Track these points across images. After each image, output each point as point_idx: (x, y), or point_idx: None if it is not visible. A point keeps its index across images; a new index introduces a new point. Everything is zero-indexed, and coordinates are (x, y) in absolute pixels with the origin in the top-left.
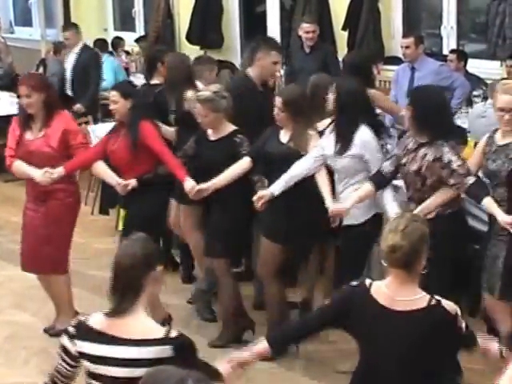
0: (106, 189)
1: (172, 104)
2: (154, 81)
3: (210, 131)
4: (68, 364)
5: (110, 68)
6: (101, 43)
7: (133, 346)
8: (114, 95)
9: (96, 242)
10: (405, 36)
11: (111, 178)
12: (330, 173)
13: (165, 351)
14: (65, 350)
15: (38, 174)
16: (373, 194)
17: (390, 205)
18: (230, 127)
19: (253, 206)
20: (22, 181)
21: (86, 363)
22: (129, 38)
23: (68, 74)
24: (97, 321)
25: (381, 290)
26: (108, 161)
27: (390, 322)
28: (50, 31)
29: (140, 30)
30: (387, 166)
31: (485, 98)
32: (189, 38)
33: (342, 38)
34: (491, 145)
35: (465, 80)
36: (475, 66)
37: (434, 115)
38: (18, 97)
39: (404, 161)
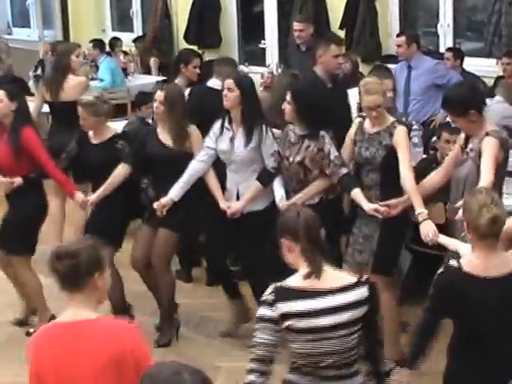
0: None
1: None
2: (177, 81)
3: (91, 133)
4: (273, 331)
5: (107, 68)
6: (98, 43)
7: (337, 294)
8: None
9: None
10: (398, 35)
11: None
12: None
13: (363, 292)
14: (266, 320)
15: None
16: (262, 190)
17: (277, 190)
18: (111, 131)
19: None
20: None
21: (288, 322)
22: (127, 39)
23: None
24: (293, 281)
25: (472, 264)
26: None
27: (491, 289)
28: (48, 32)
29: (138, 31)
30: (271, 163)
31: None
32: (187, 38)
33: None
34: (362, 134)
35: (461, 78)
36: (471, 64)
37: (310, 107)
38: None
39: (287, 154)
